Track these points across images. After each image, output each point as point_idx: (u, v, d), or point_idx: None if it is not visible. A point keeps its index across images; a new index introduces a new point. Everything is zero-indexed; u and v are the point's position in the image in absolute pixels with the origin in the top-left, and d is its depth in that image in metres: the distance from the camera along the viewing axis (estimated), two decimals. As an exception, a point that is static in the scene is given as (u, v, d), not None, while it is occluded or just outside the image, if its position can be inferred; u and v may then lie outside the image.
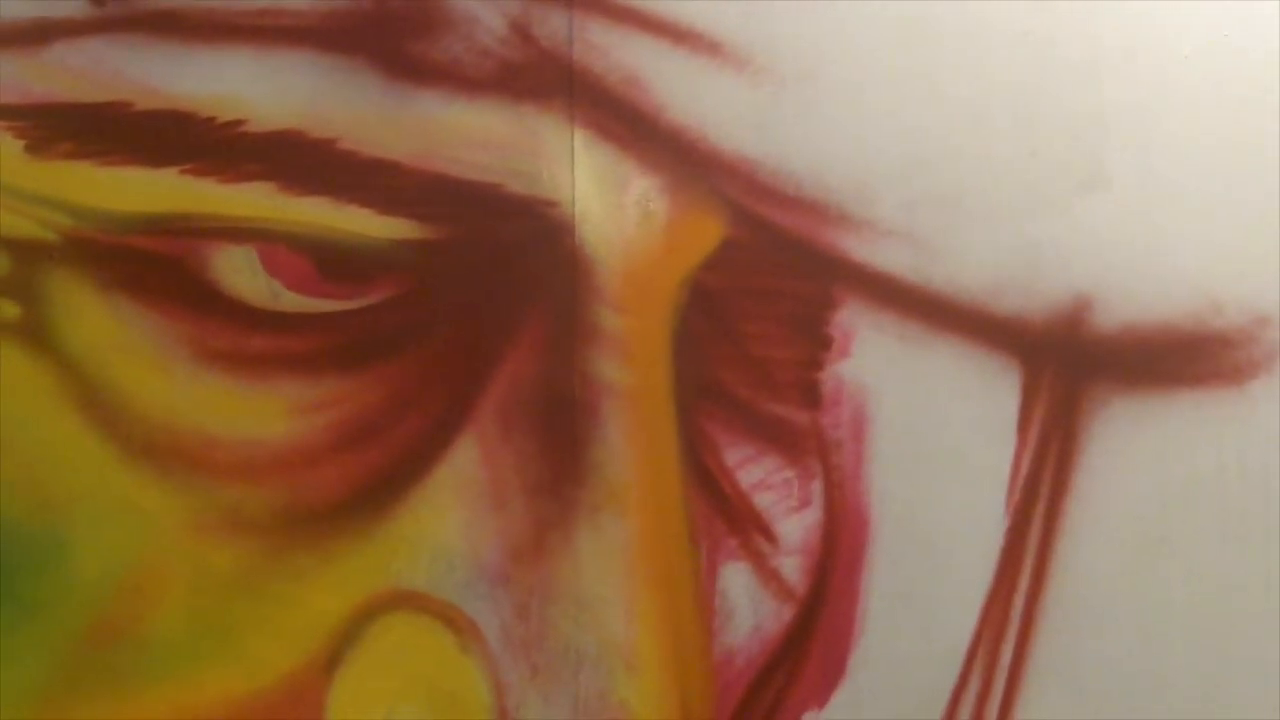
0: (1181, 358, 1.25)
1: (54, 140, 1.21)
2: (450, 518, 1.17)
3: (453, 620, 1.17)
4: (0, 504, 1.22)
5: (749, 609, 1.22)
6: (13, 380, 1.21)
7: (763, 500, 1.23)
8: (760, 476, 1.23)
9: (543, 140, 1.21)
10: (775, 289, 1.24)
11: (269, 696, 1.17)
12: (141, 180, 1.21)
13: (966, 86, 1.25)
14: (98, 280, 1.21)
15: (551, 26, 1.22)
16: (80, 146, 1.21)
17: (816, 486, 1.24)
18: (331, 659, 1.17)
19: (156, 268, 1.21)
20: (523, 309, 1.21)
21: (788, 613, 1.23)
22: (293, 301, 1.19)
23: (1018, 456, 1.25)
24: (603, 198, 1.21)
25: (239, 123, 1.19)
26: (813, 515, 1.23)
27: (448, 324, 1.20)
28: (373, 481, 1.18)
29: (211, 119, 1.19)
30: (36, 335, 1.22)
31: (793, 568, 1.23)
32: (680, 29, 1.23)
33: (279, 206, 1.19)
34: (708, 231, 1.22)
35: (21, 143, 1.22)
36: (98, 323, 1.21)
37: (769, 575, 1.23)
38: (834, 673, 1.23)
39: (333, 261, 1.19)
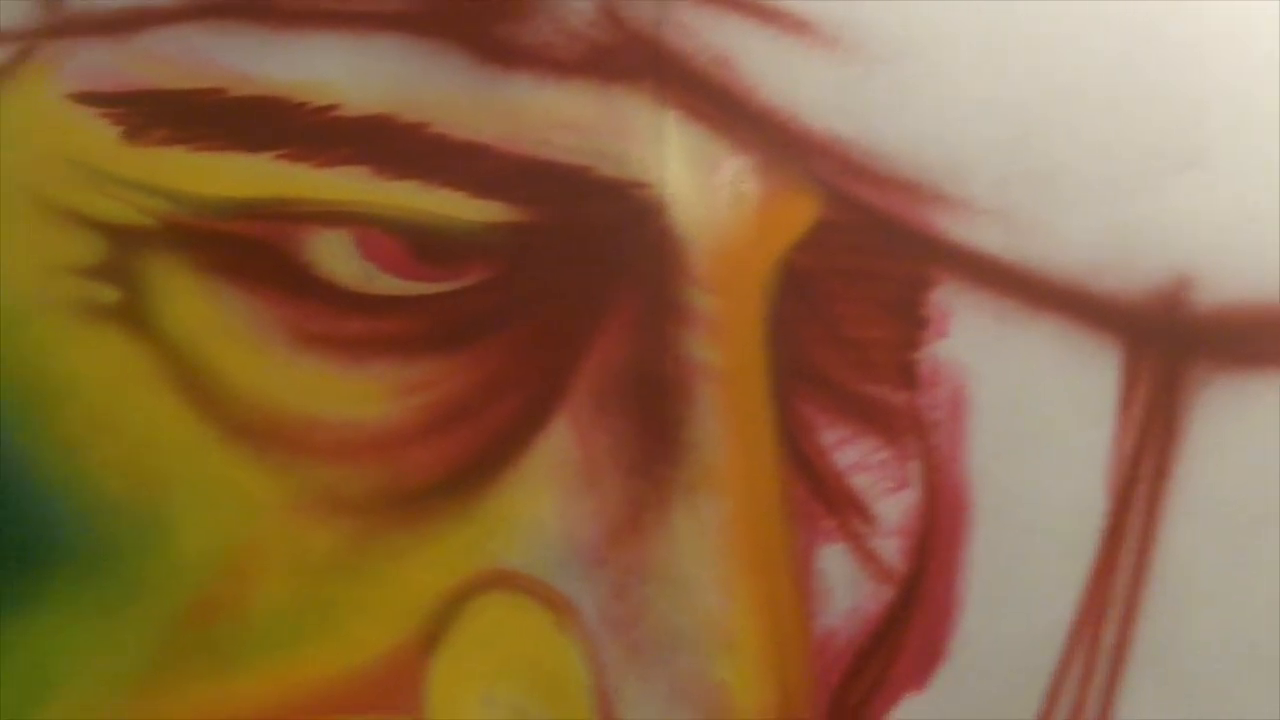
0: (1283, 337, 1.24)
1: (149, 127, 1.23)
2: (545, 498, 1.18)
3: (549, 599, 1.18)
4: (102, 485, 1.24)
5: (847, 590, 1.22)
6: (113, 363, 1.24)
7: (860, 481, 1.23)
8: (857, 458, 1.23)
9: (632, 122, 1.22)
10: (869, 269, 1.24)
11: (368, 675, 1.19)
12: (236, 166, 1.23)
13: (1062, 63, 1.24)
14: (195, 264, 1.23)
15: (640, 8, 1.22)
16: (175, 133, 1.23)
17: (914, 467, 1.24)
18: (429, 638, 1.19)
19: (252, 252, 1.22)
20: (613, 291, 1.21)
21: (887, 594, 1.24)
22: (387, 284, 1.21)
23: (1118, 437, 1.24)
24: (694, 179, 1.21)
25: (331, 108, 1.20)
26: (911, 496, 1.23)
27: (539, 306, 1.21)
28: (468, 462, 1.19)
29: (304, 104, 1.21)
30: (135, 319, 1.24)
31: (891, 549, 1.23)
32: (769, 8, 1.23)
33: (372, 190, 1.21)
34: (800, 212, 1.23)
35: (117, 129, 1.24)
36: (195, 307, 1.23)
37: (867, 556, 1.23)
38: (934, 654, 1.23)
39: (426, 244, 1.21)
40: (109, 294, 1.24)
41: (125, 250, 1.23)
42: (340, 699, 1.20)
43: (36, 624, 1.23)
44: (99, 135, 1.24)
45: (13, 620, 1.22)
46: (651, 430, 1.21)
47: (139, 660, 1.22)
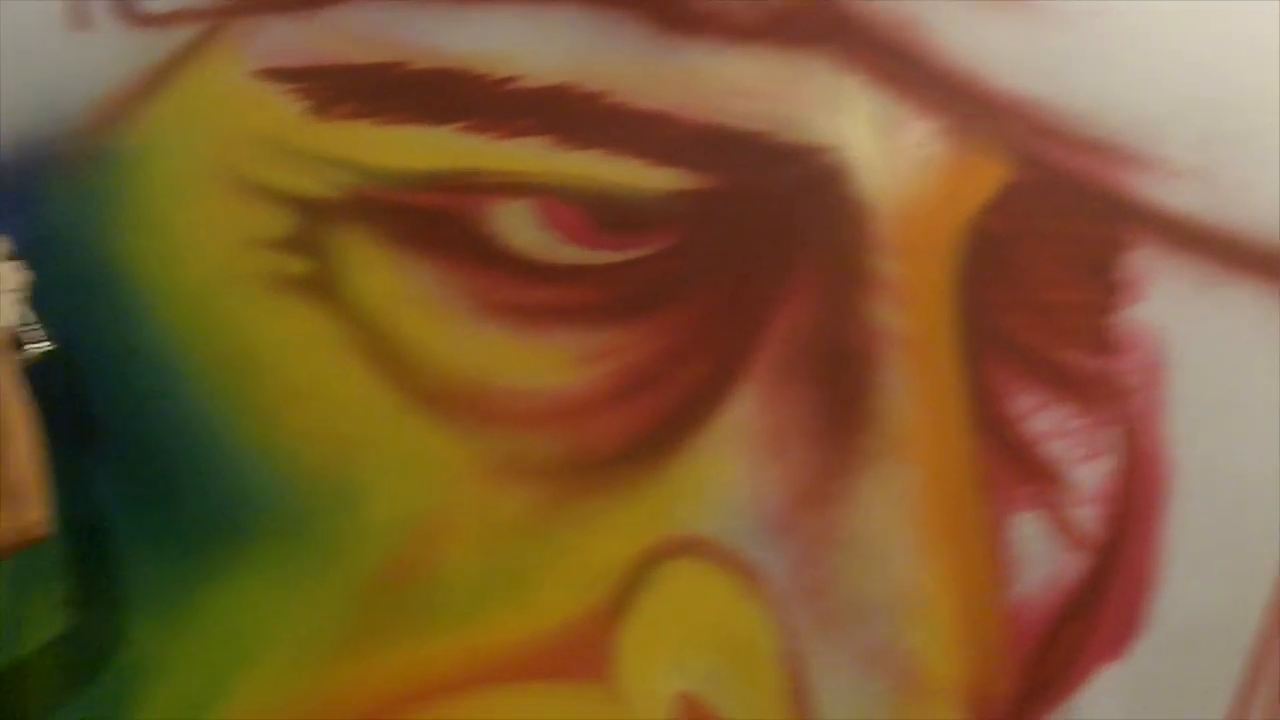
0: None
1: (335, 101, 1.25)
2: (731, 465, 1.19)
3: (737, 567, 1.19)
4: (296, 453, 1.27)
5: (1042, 558, 1.21)
6: (304, 333, 1.26)
7: (1054, 449, 1.21)
8: (1051, 425, 1.21)
9: (814, 87, 1.21)
10: (1062, 232, 1.22)
11: (557, 641, 1.21)
12: (420, 138, 1.25)
13: (1259, 22, 1.21)
14: (382, 236, 1.25)
15: (821, -29, 1.22)
16: (360, 107, 1.25)
17: (1111, 434, 1.22)
18: (618, 605, 1.20)
19: (437, 223, 1.24)
20: (796, 257, 1.21)
21: (1083, 563, 1.22)
22: (569, 254, 1.22)
23: (1321, 399, 1.21)
24: (878, 143, 1.20)
25: (512, 79, 1.22)
26: (1108, 463, 1.22)
27: (721, 273, 1.21)
28: (653, 430, 1.20)
29: (485, 76, 1.22)
30: (324, 290, 1.26)
31: (1088, 517, 1.22)
32: (954, -32, 1.22)
33: (553, 160, 1.22)
34: (989, 175, 1.21)
35: (304, 104, 1.26)
36: (383, 277, 1.25)
37: (1063, 525, 1.22)
38: (1132, 624, 1.22)
39: (608, 214, 1.21)
40: (299, 266, 1.27)
41: (314, 223, 1.26)
42: (529, 665, 1.21)
43: (237, 590, 1.27)
44: (286, 111, 1.27)
45: (214, 586, 1.27)
46: (838, 397, 1.21)
47: (334, 625, 1.25)
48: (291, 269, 1.27)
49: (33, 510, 1.11)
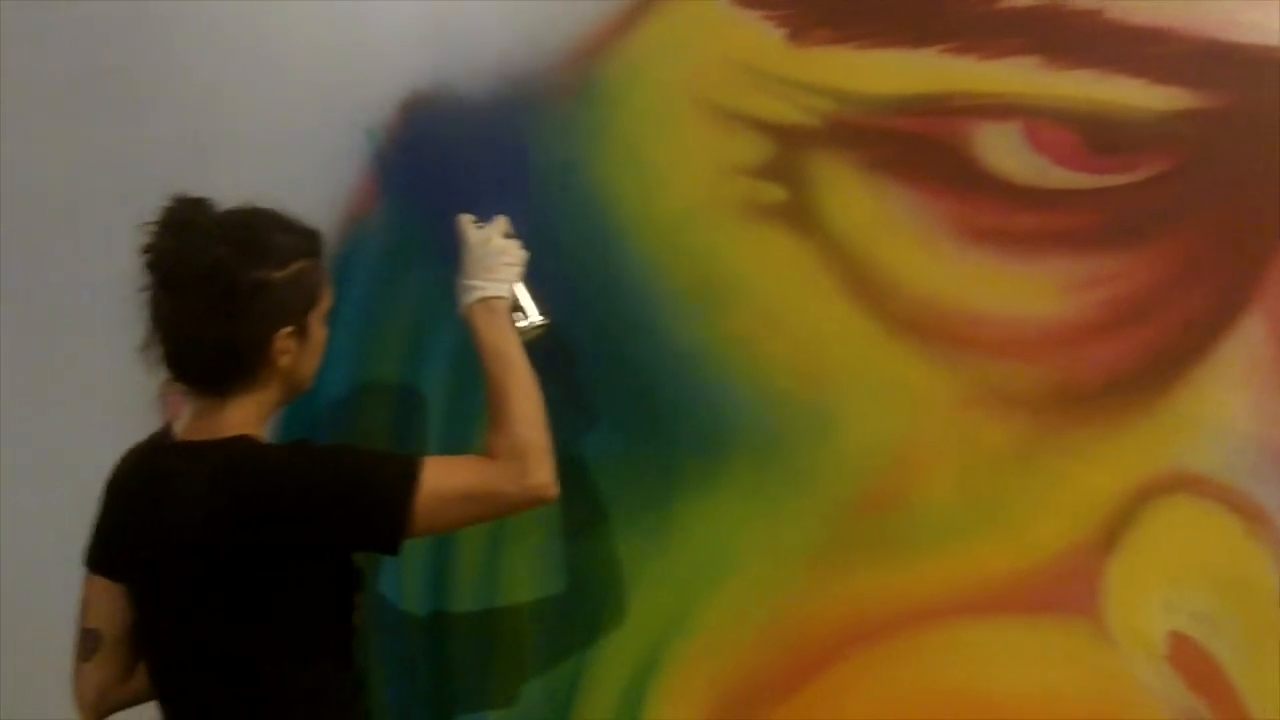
0: None
1: (813, 27, 1.28)
2: (1235, 398, 1.15)
3: (1239, 506, 1.15)
4: (773, 379, 1.31)
5: None
6: (781, 261, 1.30)
7: None
8: None
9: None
10: None
11: (1041, 573, 1.20)
12: (901, 62, 1.26)
13: None
14: (860, 162, 1.27)
15: None
16: (838, 32, 1.27)
17: None
18: (1107, 539, 1.18)
19: (919, 148, 1.25)
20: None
21: None
22: (1060, 178, 1.20)
23: None
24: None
25: (996, -1, 1.20)
26: None
27: (1223, 197, 1.16)
28: (1149, 360, 1.18)
29: (968, -4, 1.21)
30: (802, 218, 1.30)
31: None
32: None
33: (1042, 81, 1.20)
34: None
35: (782, 31, 1.29)
36: (862, 204, 1.27)
37: None
38: None
39: (1101, 135, 1.19)
40: (776, 193, 1.30)
41: (791, 150, 1.29)
42: (1012, 597, 1.22)
43: (714, 505, 1.32)
44: (764, 38, 1.30)
45: (693, 500, 1.32)
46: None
47: (807, 545, 1.29)
48: (768, 196, 1.31)
49: (541, 472, 1.18)
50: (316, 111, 1.42)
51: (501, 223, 1.28)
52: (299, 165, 1.42)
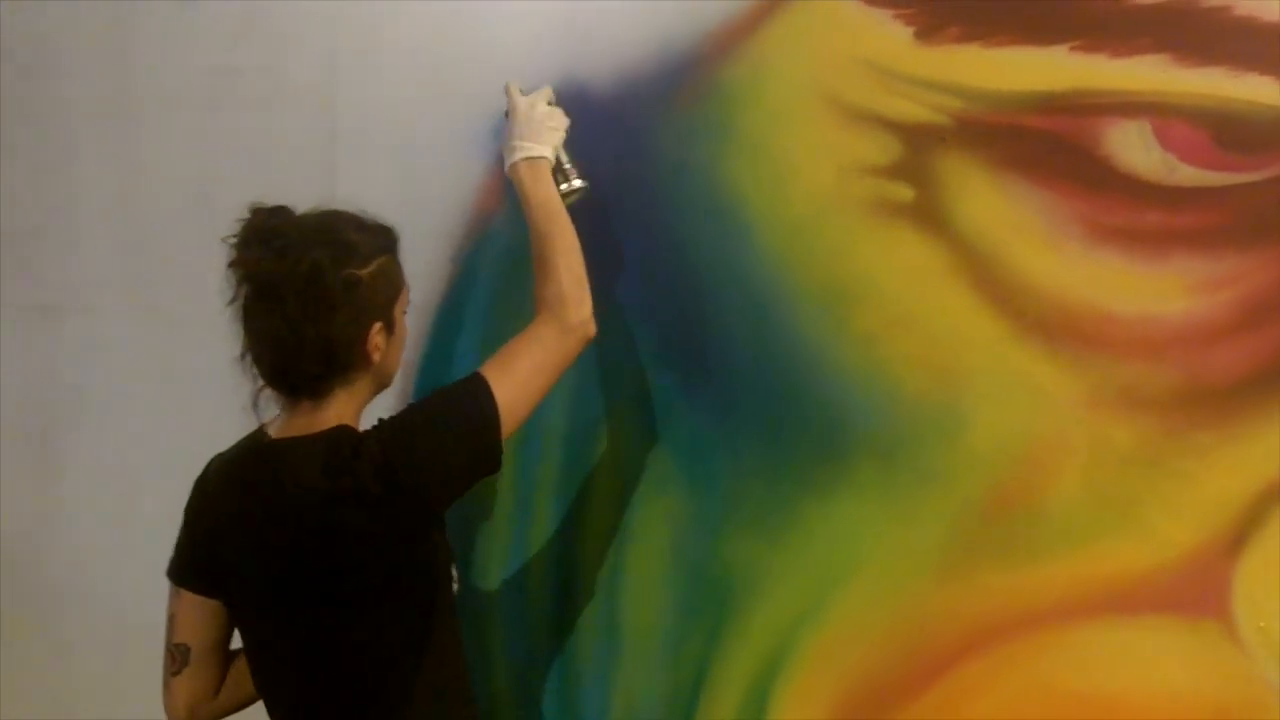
0: None
1: (942, 25, 1.36)
2: (1371, 402, 1.21)
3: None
4: (900, 378, 1.39)
5: None
6: (908, 261, 1.38)
7: None
8: None
9: None
10: None
11: (1170, 573, 1.28)
12: (1030, 59, 1.33)
13: None
14: (988, 160, 1.35)
15: None
16: (967, 30, 1.35)
17: None
18: (1236, 541, 1.26)
19: (1047, 146, 1.32)
20: None
21: None
22: (1189, 176, 1.27)
23: None
24: None
25: (1128, -6, 1.27)
26: None
27: (1358, 196, 1.23)
28: (1277, 360, 1.25)
29: (1099, -7, 1.29)
30: (930, 217, 1.37)
31: None
32: None
33: (1171, 79, 1.27)
34: None
35: (910, 30, 1.37)
36: (989, 202, 1.35)
37: None
38: None
39: (1230, 133, 1.26)
40: (903, 192, 1.38)
41: (919, 149, 1.37)
42: (1138, 598, 1.29)
43: (837, 508, 1.41)
44: (893, 36, 1.38)
45: (815, 504, 1.41)
46: None
47: (933, 547, 1.37)
48: (896, 195, 1.39)
49: (581, 310, 1.33)
50: (444, 111, 1.52)
51: (546, 91, 1.41)
52: (426, 164, 1.53)
